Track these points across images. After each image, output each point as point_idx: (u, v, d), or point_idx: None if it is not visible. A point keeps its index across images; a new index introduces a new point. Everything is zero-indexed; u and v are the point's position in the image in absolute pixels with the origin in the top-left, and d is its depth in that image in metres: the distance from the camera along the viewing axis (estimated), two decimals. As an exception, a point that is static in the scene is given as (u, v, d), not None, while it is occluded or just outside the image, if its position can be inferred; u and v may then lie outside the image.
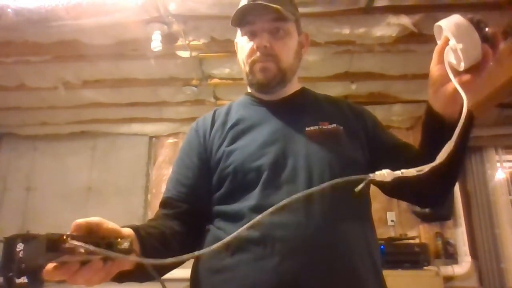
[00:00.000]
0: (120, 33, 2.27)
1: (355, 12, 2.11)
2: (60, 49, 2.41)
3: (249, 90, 1.04)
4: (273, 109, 0.95)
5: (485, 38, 0.63)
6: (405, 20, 2.14)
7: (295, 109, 0.95)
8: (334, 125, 0.89)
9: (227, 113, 0.98)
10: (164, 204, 0.92)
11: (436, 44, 0.70)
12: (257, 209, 0.79)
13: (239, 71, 1.04)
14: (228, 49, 2.39)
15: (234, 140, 0.91)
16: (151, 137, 3.94)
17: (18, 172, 3.87)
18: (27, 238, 3.07)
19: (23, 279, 2.93)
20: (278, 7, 0.89)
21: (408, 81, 2.91)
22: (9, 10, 1.98)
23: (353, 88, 2.95)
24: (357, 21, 2.21)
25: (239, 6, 0.92)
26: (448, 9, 2.10)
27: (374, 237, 0.87)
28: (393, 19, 2.17)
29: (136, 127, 3.79)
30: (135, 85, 2.95)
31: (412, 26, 2.17)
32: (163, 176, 3.78)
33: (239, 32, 0.98)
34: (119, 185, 3.73)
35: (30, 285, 2.94)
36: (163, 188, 0.98)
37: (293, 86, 1.00)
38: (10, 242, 3.05)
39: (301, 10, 2.04)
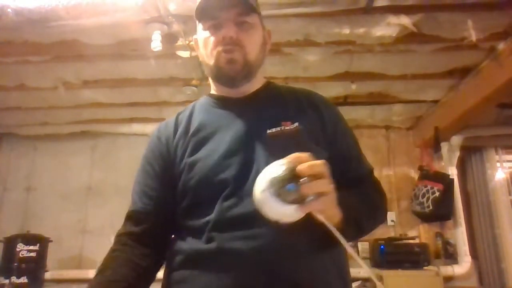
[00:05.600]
0: (120, 33, 2.27)
1: (355, 12, 2.11)
2: (60, 49, 2.41)
3: (212, 91, 1.01)
4: (235, 110, 0.92)
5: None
6: (405, 20, 2.14)
7: (258, 108, 0.92)
8: (296, 124, 0.87)
9: (190, 117, 0.96)
10: (131, 218, 0.91)
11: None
12: (217, 224, 0.79)
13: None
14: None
15: (196, 150, 0.88)
16: (151, 137, 3.93)
17: (18, 172, 3.87)
18: (27, 238, 3.08)
19: (23, 279, 2.93)
20: None
21: (408, 81, 2.92)
22: (9, 10, 1.98)
23: (353, 88, 2.95)
24: (357, 21, 2.21)
25: None
26: (448, 9, 2.10)
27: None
28: (393, 19, 2.17)
29: (136, 127, 3.78)
30: (135, 85, 2.95)
31: (412, 26, 2.16)
32: (163, 176, 3.78)
33: (199, 27, 0.95)
34: (119, 185, 3.72)
35: (30, 285, 2.94)
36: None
37: (258, 82, 0.98)
38: (10, 242, 3.05)
39: (301, 10, 2.06)
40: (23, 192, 3.80)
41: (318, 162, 0.67)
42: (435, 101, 3.27)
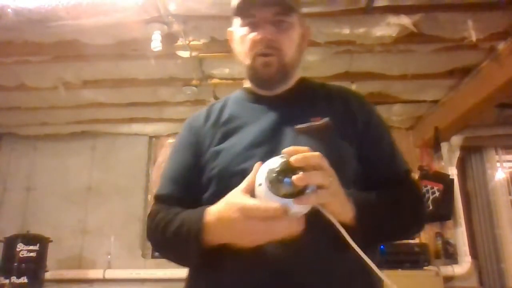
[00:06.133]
0: (120, 33, 2.27)
1: (355, 12, 2.11)
2: (60, 49, 2.41)
3: (245, 85, 1.01)
4: (267, 106, 0.92)
5: None
6: (405, 20, 2.15)
7: (289, 104, 0.92)
8: (325, 119, 0.86)
9: (222, 110, 0.96)
10: (161, 200, 0.92)
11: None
12: None
13: (239, 71, 1.02)
14: (228, 49, 2.38)
15: (222, 140, 0.89)
16: (151, 137, 3.94)
17: (18, 172, 3.87)
18: (27, 238, 3.08)
19: (23, 279, 2.93)
20: None
21: (408, 81, 2.92)
22: (9, 10, 1.98)
23: (353, 88, 2.95)
24: (357, 21, 2.21)
25: None
26: (448, 9, 2.10)
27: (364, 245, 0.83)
28: (393, 19, 2.17)
29: (136, 127, 3.79)
30: (135, 85, 2.95)
31: (412, 26, 2.17)
32: (163, 176, 3.78)
33: (236, 21, 0.94)
34: (119, 185, 3.73)
35: (30, 285, 2.94)
36: (163, 188, 0.98)
37: (293, 80, 0.97)
38: (10, 242, 3.05)
39: (301, 10, 2.05)
40: (23, 192, 3.80)
41: (315, 153, 0.65)
42: (435, 101, 3.27)
